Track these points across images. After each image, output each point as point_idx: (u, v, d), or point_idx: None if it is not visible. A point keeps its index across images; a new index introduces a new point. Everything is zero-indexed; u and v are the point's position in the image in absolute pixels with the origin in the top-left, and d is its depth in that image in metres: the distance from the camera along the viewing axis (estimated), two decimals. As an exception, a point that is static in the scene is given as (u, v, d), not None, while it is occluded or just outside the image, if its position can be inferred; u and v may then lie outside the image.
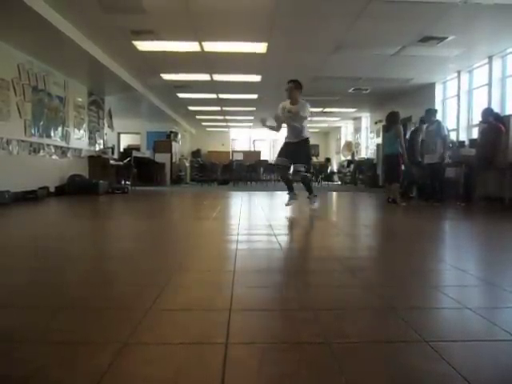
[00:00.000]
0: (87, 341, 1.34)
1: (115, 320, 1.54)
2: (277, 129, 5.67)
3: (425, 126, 7.77)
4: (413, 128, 8.29)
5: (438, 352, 1.26)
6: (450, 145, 7.68)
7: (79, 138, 9.95)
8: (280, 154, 5.52)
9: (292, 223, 4.80)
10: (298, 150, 5.32)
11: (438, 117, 7.96)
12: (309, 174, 5.60)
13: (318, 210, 5.56)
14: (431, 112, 7.54)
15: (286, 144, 5.51)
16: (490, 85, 8.16)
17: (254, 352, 1.27)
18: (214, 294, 1.87)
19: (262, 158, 18.76)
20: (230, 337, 1.37)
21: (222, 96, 12.35)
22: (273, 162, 5.64)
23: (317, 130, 22.24)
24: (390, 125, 7.29)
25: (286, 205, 5.45)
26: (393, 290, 1.97)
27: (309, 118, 5.47)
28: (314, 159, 22.22)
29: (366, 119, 16.76)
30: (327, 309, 1.68)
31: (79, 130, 9.94)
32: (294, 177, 5.65)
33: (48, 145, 8.42)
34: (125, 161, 11.59)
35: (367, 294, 1.90)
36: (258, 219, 4.76)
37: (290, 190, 5.51)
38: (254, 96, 12.14)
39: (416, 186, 8.49)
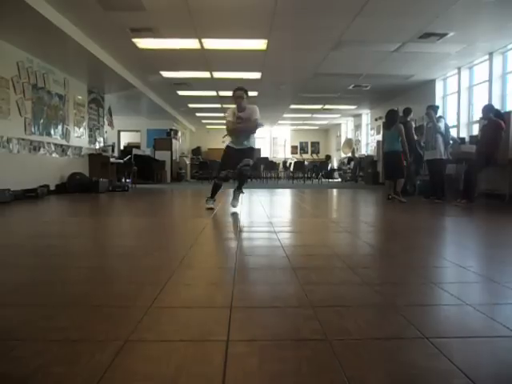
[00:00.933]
0: (88, 338, 1.34)
1: (116, 317, 1.54)
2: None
3: (425, 123, 7.79)
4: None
5: (439, 348, 1.26)
6: (451, 141, 7.67)
7: (79, 136, 9.95)
8: (223, 165, 5.30)
9: (293, 220, 4.80)
10: (242, 155, 5.22)
11: (440, 113, 7.99)
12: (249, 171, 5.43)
13: (237, 214, 5.12)
14: (432, 108, 7.51)
15: (228, 150, 5.34)
16: (490, 81, 8.15)
17: (254, 349, 1.27)
18: (214, 291, 1.87)
19: (262, 156, 18.75)
20: (231, 334, 1.37)
21: (222, 93, 12.35)
22: (220, 174, 5.34)
23: (317, 128, 22.25)
24: (391, 123, 7.29)
25: (208, 208, 5.33)
26: (393, 287, 1.97)
27: (259, 121, 5.26)
28: (314, 156, 22.30)
29: (366, 116, 16.75)
30: (327, 306, 1.68)
31: (79, 128, 9.95)
32: (242, 170, 5.30)
33: (48, 143, 8.43)
34: (125, 159, 11.60)
35: (367, 290, 1.90)
36: (259, 216, 4.76)
37: (213, 195, 5.41)
38: (255, 93, 12.14)
39: (410, 183, 8.53)
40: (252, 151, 5.35)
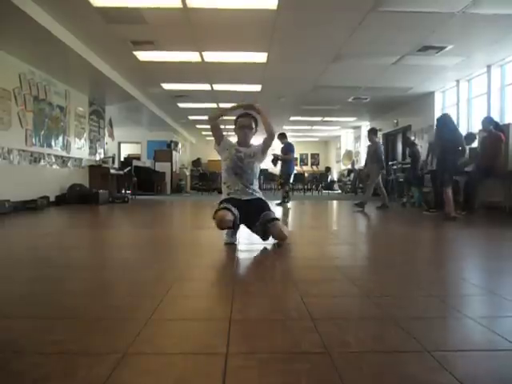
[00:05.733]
0: (86, 351, 1.33)
1: (115, 330, 1.53)
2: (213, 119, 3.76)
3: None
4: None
5: (440, 362, 1.25)
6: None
7: (80, 148, 9.98)
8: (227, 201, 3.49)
9: (292, 232, 4.79)
10: (255, 207, 3.49)
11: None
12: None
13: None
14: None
15: (231, 200, 3.51)
16: (488, 94, 8.20)
17: (254, 362, 1.26)
18: (213, 304, 1.87)
19: (261, 167, 18.73)
20: (230, 347, 1.36)
21: (222, 105, 12.40)
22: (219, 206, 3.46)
23: (317, 139, 22.33)
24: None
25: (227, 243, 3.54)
26: (393, 299, 1.96)
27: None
28: (315, 168, 22.33)
29: (365, 128, 16.79)
30: (327, 318, 1.67)
31: (80, 139, 9.98)
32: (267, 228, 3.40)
33: (49, 154, 8.44)
34: (125, 170, 11.62)
35: (367, 303, 1.90)
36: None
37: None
38: (255, 105, 12.21)
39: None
40: (265, 203, 3.60)
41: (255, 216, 3.41)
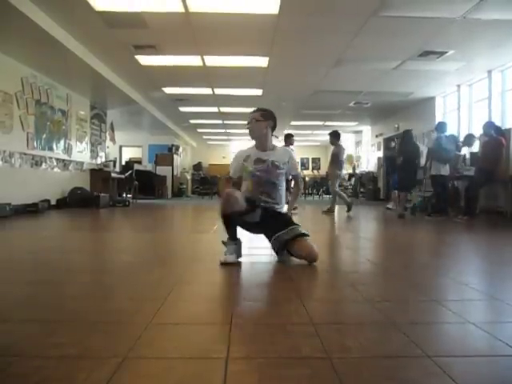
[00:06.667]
0: (86, 355, 1.33)
1: (115, 334, 1.53)
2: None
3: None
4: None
5: (441, 367, 1.24)
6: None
7: (81, 151, 10.00)
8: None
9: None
10: (276, 219, 3.01)
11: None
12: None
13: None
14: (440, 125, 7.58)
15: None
16: (489, 98, 8.20)
17: (254, 367, 1.26)
18: (214, 308, 1.86)
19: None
20: (231, 351, 1.35)
21: (223, 110, 12.43)
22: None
23: (318, 144, 22.33)
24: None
25: (224, 263, 2.83)
26: (394, 304, 1.96)
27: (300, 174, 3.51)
28: (315, 172, 22.32)
29: (366, 132, 16.82)
30: (328, 323, 1.67)
31: (81, 143, 10.00)
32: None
33: (50, 158, 8.45)
34: (126, 174, 11.63)
35: (368, 308, 1.89)
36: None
37: (234, 237, 2.99)
38: (256, 109, 12.23)
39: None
40: (289, 217, 3.12)
41: (277, 226, 2.91)
